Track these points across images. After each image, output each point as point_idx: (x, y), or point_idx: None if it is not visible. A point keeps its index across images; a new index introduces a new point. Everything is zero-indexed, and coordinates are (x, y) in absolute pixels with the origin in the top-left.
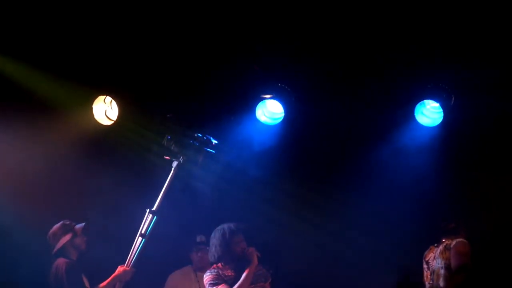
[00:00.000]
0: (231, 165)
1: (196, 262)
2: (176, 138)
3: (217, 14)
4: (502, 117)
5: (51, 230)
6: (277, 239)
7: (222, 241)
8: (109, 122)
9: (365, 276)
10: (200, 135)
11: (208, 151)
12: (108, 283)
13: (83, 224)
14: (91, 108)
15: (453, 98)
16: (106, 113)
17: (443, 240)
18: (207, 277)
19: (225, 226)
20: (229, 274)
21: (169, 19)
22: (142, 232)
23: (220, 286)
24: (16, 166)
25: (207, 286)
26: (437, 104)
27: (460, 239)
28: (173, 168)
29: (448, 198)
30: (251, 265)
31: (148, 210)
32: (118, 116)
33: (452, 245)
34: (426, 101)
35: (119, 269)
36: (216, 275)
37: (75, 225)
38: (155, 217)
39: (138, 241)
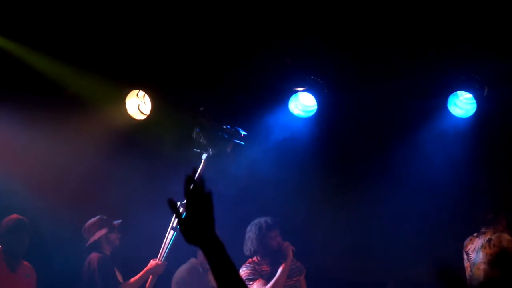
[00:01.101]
0: (263, 158)
1: None
2: (204, 130)
3: (250, 6)
4: None
5: (88, 223)
6: (310, 233)
7: (259, 235)
8: (142, 117)
9: (397, 269)
10: (229, 126)
11: (237, 142)
12: (141, 276)
13: (120, 221)
14: (124, 103)
15: (486, 89)
16: (139, 108)
17: (483, 230)
18: (243, 272)
19: (262, 220)
20: (265, 269)
21: (201, 12)
22: (174, 225)
23: (257, 281)
24: (50, 162)
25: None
26: (470, 95)
27: (505, 235)
28: (202, 161)
29: (483, 189)
30: (286, 259)
31: (179, 203)
32: (151, 110)
33: (497, 242)
34: (459, 92)
35: (152, 263)
36: (252, 270)
37: (111, 221)
38: None
39: (170, 234)
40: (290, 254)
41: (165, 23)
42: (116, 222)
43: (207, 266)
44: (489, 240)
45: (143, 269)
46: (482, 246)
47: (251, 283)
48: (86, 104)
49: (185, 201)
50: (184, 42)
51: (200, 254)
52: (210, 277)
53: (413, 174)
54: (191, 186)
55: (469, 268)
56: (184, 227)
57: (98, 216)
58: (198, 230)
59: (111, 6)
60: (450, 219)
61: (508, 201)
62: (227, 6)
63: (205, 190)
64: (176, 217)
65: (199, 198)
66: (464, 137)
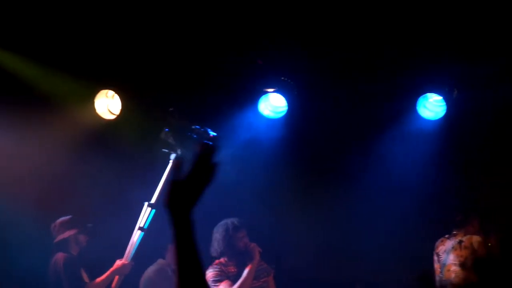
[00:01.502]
0: (232, 159)
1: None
2: (173, 130)
3: (221, 7)
4: (504, 110)
5: (58, 221)
6: (279, 234)
7: (225, 236)
8: (112, 116)
9: (370, 270)
10: (198, 127)
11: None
12: (107, 276)
13: (91, 225)
14: (94, 103)
15: (455, 92)
16: (109, 107)
17: (454, 232)
18: (210, 273)
19: (229, 221)
20: (232, 270)
21: (172, 12)
22: (141, 225)
23: (223, 282)
24: (17, 161)
25: (210, 282)
26: (439, 98)
27: (475, 237)
28: (170, 161)
29: (453, 191)
30: (253, 260)
31: (146, 204)
32: (120, 110)
33: (468, 244)
34: (428, 94)
35: (118, 262)
36: (219, 271)
37: (83, 222)
38: (153, 210)
39: (137, 234)
40: (257, 255)
41: (134, 23)
42: (87, 225)
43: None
44: (460, 242)
45: (109, 269)
46: (452, 247)
47: (217, 284)
48: (55, 103)
49: (151, 202)
50: (154, 42)
51: (168, 255)
52: None
53: (383, 175)
54: (206, 152)
55: (439, 270)
56: (175, 190)
57: (70, 216)
58: (186, 200)
59: (81, 5)
60: (421, 220)
61: (479, 202)
62: (198, 7)
63: (215, 161)
64: (174, 174)
65: (207, 167)
66: (434, 139)
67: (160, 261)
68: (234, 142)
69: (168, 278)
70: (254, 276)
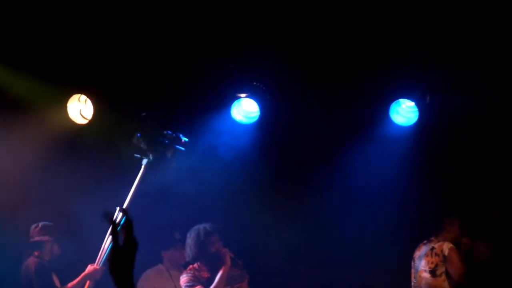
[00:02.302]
0: (205, 164)
1: (170, 260)
2: (145, 136)
3: (191, 12)
4: (476, 116)
5: (41, 224)
6: (253, 238)
7: (197, 241)
8: (84, 121)
9: (345, 275)
10: (170, 132)
11: (178, 148)
12: (78, 281)
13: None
14: (66, 107)
15: (428, 97)
16: (81, 112)
17: (432, 239)
18: (183, 278)
19: (201, 226)
20: (205, 275)
21: (142, 18)
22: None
23: (196, 287)
24: None
25: (183, 287)
26: (412, 103)
27: (446, 244)
28: (142, 166)
29: (424, 197)
30: (224, 265)
31: (118, 208)
32: (92, 115)
33: (438, 251)
34: (401, 100)
35: (89, 268)
36: (192, 276)
37: (55, 229)
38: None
39: (109, 239)
40: (228, 260)
41: (107, 28)
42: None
43: (174, 271)
44: (432, 249)
45: (81, 274)
46: (425, 254)
47: None
48: (27, 107)
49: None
50: (127, 46)
51: (168, 259)
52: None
53: (356, 181)
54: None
55: (412, 275)
56: (117, 256)
57: (43, 223)
58: (127, 264)
59: (53, 9)
60: (395, 226)
61: (453, 208)
62: (170, 11)
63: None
64: (113, 243)
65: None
66: (407, 145)
67: (159, 266)
68: (206, 148)
69: (168, 282)
70: (228, 281)
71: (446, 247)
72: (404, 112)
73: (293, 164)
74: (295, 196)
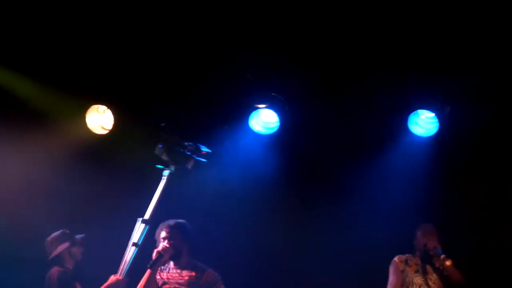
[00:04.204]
0: (222, 174)
1: None
2: (167, 147)
3: (211, 24)
4: (496, 126)
5: (50, 237)
6: (270, 246)
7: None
8: (103, 132)
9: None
10: (191, 143)
11: (198, 159)
12: None
13: (83, 235)
14: (85, 118)
15: (448, 108)
16: (100, 122)
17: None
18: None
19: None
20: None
21: (163, 29)
22: (134, 241)
23: None
24: (9, 176)
25: None
26: (431, 114)
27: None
28: (164, 177)
29: (442, 208)
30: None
31: (140, 220)
32: (112, 126)
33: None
34: (420, 111)
35: (112, 278)
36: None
37: (74, 235)
38: (147, 226)
39: (131, 250)
40: (153, 257)
41: (127, 38)
42: (79, 236)
43: None
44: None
45: (103, 284)
46: None
47: None
48: (47, 118)
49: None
50: (146, 57)
51: None
52: None
53: (375, 191)
54: None
55: None
56: None
57: (61, 230)
58: None
59: (73, 20)
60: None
61: (466, 219)
62: (191, 22)
63: None
64: None
65: None
66: (426, 156)
67: None
68: (224, 158)
69: None
70: (170, 282)
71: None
72: (424, 123)
73: (311, 174)
74: (314, 207)
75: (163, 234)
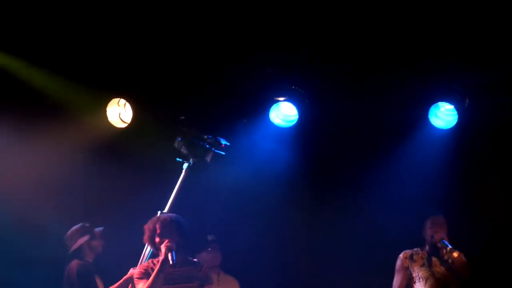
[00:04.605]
0: (242, 167)
1: (207, 262)
2: (186, 140)
3: (230, 16)
4: None
5: (70, 231)
6: (287, 240)
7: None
8: (123, 125)
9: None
10: (210, 136)
11: (217, 152)
12: (120, 285)
13: (102, 228)
14: (105, 111)
15: (467, 100)
16: (120, 116)
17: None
18: (136, 270)
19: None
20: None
21: (182, 21)
22: None
23: (143, 281)
24: (30, 169)
25: (134, 280)
26: (451, 106)
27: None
28: (183, 170)
29: (460, 201)
30: (160, 259)
31: (159, 213)
32: (132, 119)
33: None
34: (440, 103)
35: (131, 271)
36: (144, 269)
37: (93, 228)
38: None
39: None
40: (163, 253)
41: (147, 32)
42: (98, 229)
43: (212, 273)
44: None
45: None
46: None
47: (138, 282)
48: (67, 112)
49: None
50: (165, 51)
51: (205, 261)
52: None
53: (395, 183)
54: None
55: None
56: None
57: (81, 224)
58: None
59: (93, 14)
60: None
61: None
62: (209, 15)
63: None
64: None
65: None
66: (445, 148)
67: None
68: (244, 151)
69: None
70: (171, 279)
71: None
72: (443, 115)
73: (331, 167)
74: (333, 200)
75: (161, 228)
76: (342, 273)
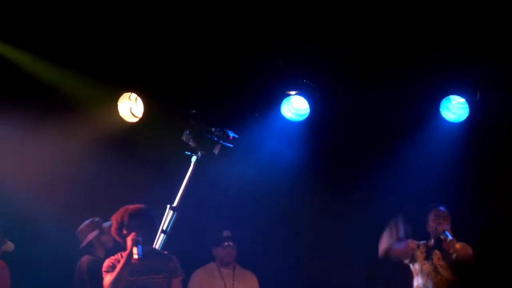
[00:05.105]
0: (253, 161)
1: (221, 257)
2: (193, 133)
3: (242, 10)
4: None
5: (80, 226)
6: (298, 236)
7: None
8: (134, 119)
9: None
10: (217, 129)
11: (225, 145)
12: None
13: (110, 222)
14: (117, 105)
15: (478, 93)
16: (131, 110)
17: None
18: (105, 263)
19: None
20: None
21: (194, 15)
22: (164, 228)
23: (109, 273)
24: (41, 164)
25: (103, 273)
26: (462, 100)
27: None
28: (192, 163)
29: (471, 195)
30: (125, 252)
31: (168, 206)
32: (143, 113)
33: None
34: (451, 96)
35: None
36: (112, 262)
37: (103, 223)
38: (175, 213)
39: (160, 237)
40: (128, 245)
41: (157, 26)
42: (106, 223)
43: (225, 269)
44: None
45: None
46: None
47: (106, 275)
48: (78, 106)
49: (174, 204)
50: (176, 44)
51: (219, 257)
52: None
53: (406, 177)
54: None
55: None
56: None
57: (91, 219)
58: None
59: (103, 9)
60: None
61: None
62: (220, 9)
63: None
64: None
65: None
66: (457, 141)
67: (211, 264)
68: (255, 145)
69: (217, 281)
70: (141, 270)
71: None
72: (455, 109)
73: (342, 161)
74: (344, 194)
75: (129, 220)
76: (356, 267)
